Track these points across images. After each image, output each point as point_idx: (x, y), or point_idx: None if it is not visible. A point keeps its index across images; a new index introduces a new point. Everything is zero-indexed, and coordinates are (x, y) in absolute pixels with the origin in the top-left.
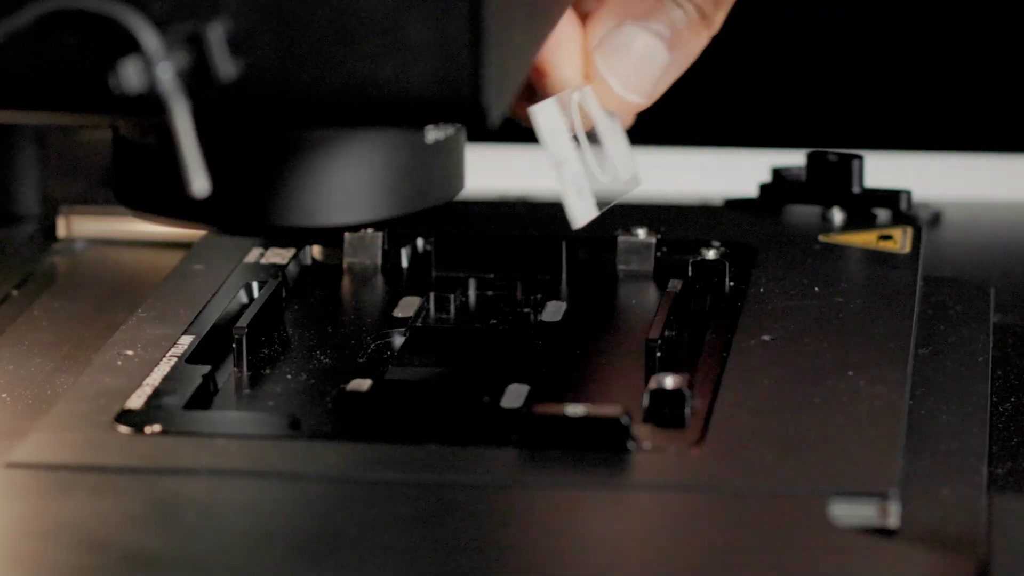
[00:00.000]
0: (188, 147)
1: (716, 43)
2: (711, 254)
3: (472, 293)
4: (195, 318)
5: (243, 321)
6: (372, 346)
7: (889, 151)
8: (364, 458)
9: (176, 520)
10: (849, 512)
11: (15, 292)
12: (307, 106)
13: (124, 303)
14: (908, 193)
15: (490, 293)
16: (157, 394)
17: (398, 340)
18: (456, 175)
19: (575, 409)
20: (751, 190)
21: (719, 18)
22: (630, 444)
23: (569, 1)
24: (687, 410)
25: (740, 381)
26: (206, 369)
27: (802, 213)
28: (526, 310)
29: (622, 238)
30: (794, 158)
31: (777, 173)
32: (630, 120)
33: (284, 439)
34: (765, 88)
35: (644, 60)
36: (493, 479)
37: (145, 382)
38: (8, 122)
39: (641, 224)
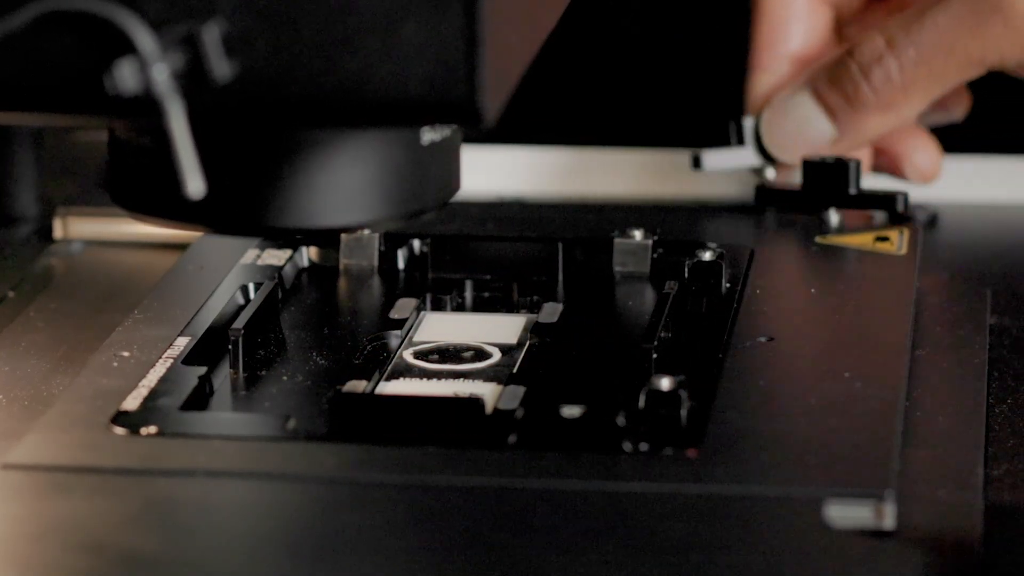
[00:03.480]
0: (184, 148)
1: (715, 43)
2: (707, 255)
3: (468, 295)
4: (191, 319)
5: (239, 322)
6: (368, 347)
7: None
8: (360, 459)
9: (172, 521)
10: (845, 513)
11: (11, 293)
12: (303, 107)
13: (120, 304)
14: (904, 195)
15: (486, 295)
16: (153, 395)
17: (394, 342)
18: (452, 176)
19: (571, 410)
20: (748, 192)
21: (905, 105)
22: (626, 445)
23: (566, 2)
24: (683, 411)
25: (736, 382)
26: (202, 370)
27: (799, 215)
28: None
29: (618, 239)
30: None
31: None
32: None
33: (280, 440)
34: None
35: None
36: (489, 481)
37: (141, 383)
38: (4, 123)
39: (637, 225)
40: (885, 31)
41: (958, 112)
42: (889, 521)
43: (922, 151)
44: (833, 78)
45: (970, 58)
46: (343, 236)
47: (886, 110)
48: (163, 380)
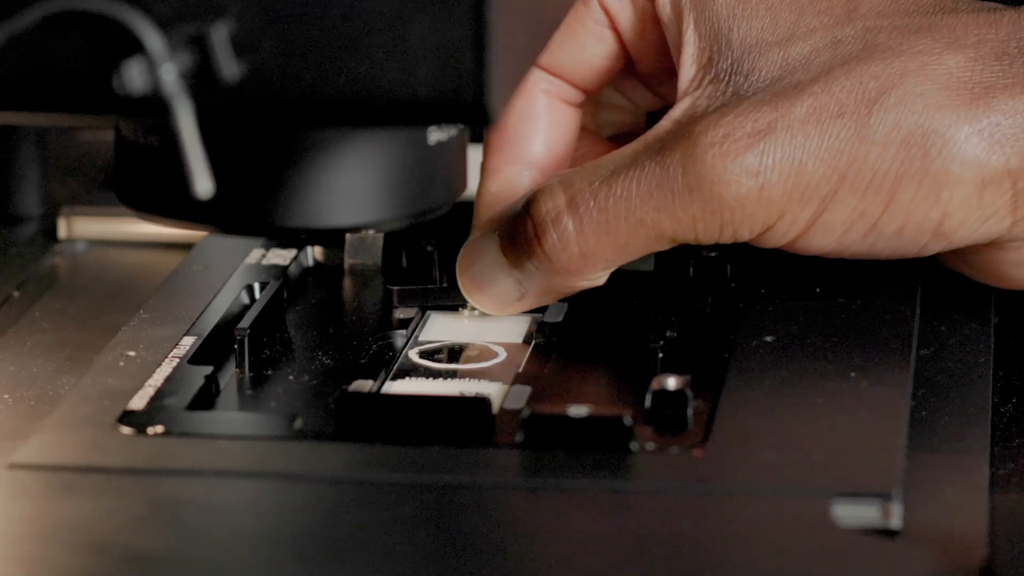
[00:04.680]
0: (191, 148)
1: None
2: (713, 254)
3: None
4: (197, 319)
5: (245, 322)
6: (374, 347)
7: None
8: (366, 459)
9: (178, 521)
10: (852, 513)
11: (16, 293)
12: (310, 107)
13: (126, 304)
14: None
15: None
16: (159, 395)
17: (400, 341)
18: (458, 177)
19: (578, 410)
20: None
21: (586, 270)
22: (632, 445)
23: (571, 3)
24: (689, 411)
25: (742, 382)
26: (208, 370)
27: None
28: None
29: None
30: None
31: None
32: None
33: (286, 440)
34: None
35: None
36: (496, 480)
37: (147, 383)
38: (11, 123)
39: None
40: (569, 186)
41: None
42: (896, 520)
43: None
44: (512, 231)
45: (660, 234)
46: (348, 236)
47: (564, 275)
48: (169, 380)
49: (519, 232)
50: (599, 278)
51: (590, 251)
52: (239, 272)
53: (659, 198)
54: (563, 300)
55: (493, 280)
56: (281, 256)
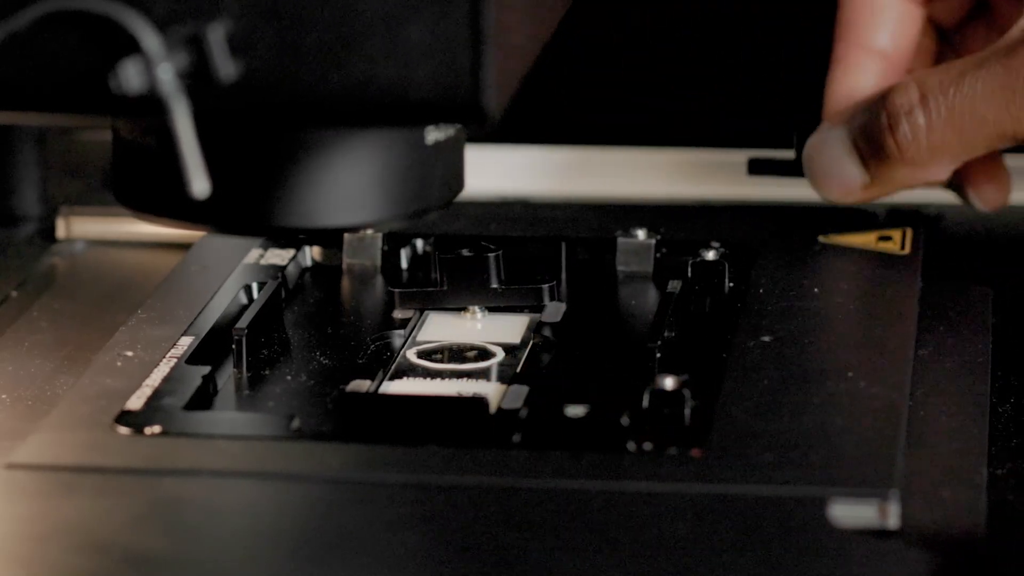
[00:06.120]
0: (189, 148)
1: (716, 43)
2: (711, 255)
3: None
4: (195, 319)
5: (243, 322)
6: (372, 347)
7: None
8: (364, 459)
9: (176, 521)
10: (849, 513)
11: (15, 293)
12: (307, 107)
13: (124, 304)
14: None
15: None
16: (157, 395)
17: (397, 341)
18: (456, 176)
19: (575, 410)
20: (750, 191)
21: (932, 164)
22: (630, 445)
23: (569, 1)
24: (687, 411)
25: (740, 382)
26: (206, 370)
27: (801, 214)
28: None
29: (622, 239)
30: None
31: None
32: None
33: (284, 440)
34: (763, 87)
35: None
36: (493, 480)
37: (145, 383)
38: (8, 123)
39: (641, 225)
40: (922, 83)
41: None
42: (893, 520)
43: (991, 183)
44: (863, 123)
45: (1002, 132)
46: (346, 236)
47: (912, 166)
48: (167, 380)
49: (872, 124)
50: (943, 172)
51: (937, 145)
52: (237, 272)
53: (1002, 98)
54: (562, 300)
55: (840, 169)
56: (279, 256)
